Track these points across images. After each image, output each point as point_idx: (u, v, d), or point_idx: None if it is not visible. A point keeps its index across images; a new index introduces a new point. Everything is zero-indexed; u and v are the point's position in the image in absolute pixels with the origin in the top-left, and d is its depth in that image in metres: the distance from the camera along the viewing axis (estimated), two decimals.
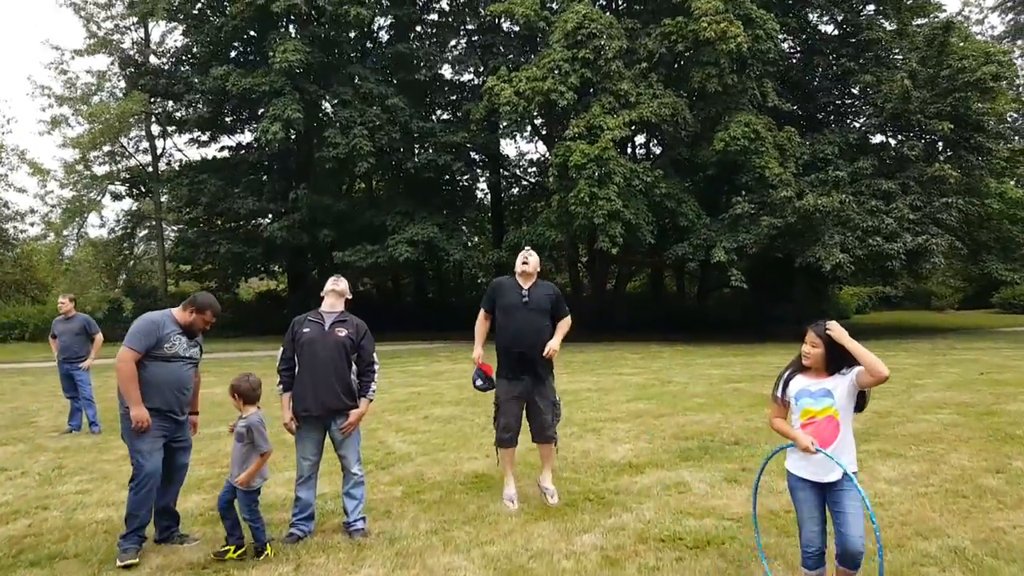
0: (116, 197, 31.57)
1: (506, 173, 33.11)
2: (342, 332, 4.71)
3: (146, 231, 32.51)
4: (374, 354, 4.83)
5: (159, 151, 31.73)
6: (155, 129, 31.16)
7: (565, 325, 5.30)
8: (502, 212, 32.77)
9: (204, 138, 30.42)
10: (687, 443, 6.98)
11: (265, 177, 27.53)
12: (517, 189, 35.06)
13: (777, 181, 20.07)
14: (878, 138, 25.36)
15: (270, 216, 25.91)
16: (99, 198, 28.93)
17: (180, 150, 33.21)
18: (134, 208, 31.62)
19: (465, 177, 29.93)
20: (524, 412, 5.32)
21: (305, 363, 4.66)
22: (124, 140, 31.16)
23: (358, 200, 27.97)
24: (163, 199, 30.09)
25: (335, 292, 4.84)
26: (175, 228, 31.06)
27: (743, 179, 21.26)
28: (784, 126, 21.71)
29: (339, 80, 24.12)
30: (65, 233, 29.51)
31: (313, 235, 24.54)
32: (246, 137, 29.09)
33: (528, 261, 5.26)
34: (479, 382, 5.34)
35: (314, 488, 4.79)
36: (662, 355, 17.32)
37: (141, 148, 31.93)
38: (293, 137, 24.82)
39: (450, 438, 7.60)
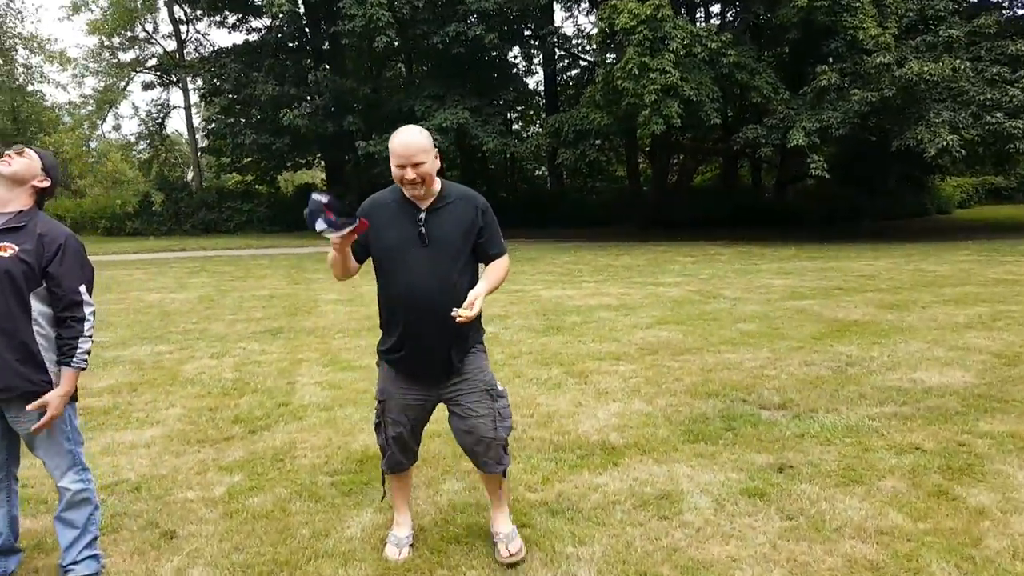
0: (146, 87, 30.28)
1: (561, 53, 29.66)
2: (6, 251, 2.56)
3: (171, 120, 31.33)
4: (81, 288, 2.66)
5: (184, 36, 29.88)
6: (179, 14, 29.22)
7: (498, 269, 2.85)
8: (555, 96, 29.57)
9: (232, 20, 28.24)
10: (705, 405, 4.68)
11: (287, 61, 25.24)
12: (576, 71, 31.61)
13: (873, 45, 16.45)
14: None
15: (294, 104, 23.76)
16: (125, 85, 27.44)
17: (205, 35, 31.25)
18: (163, 98, 30.23)
19: (511, 54, 26.81)
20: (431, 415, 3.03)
21: None
22: (147, 25, 29.44)
23: (386, 83, 25.46)
24: (191, 88, 28.56)
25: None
26: (207, 118, 29.51)
27: (831, 45, 17.61)
28: None
29: None
30: (96, 122, 28.45)
31: (339, 123, 22.41)
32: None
33: (408, 158, 2.61)
34: (320, 224, 2.51)
35: (6, 505, 2.81)
36: (720, 258, 14.70)
37: (167, 34, 30.19)
38: (303, 11, 22.25)
39: None
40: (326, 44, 26.01)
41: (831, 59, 17.95)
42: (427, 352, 2.75)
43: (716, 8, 26.50)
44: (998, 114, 16.19)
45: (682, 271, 12.52)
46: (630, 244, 18.92)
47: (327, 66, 24.55)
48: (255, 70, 24.03)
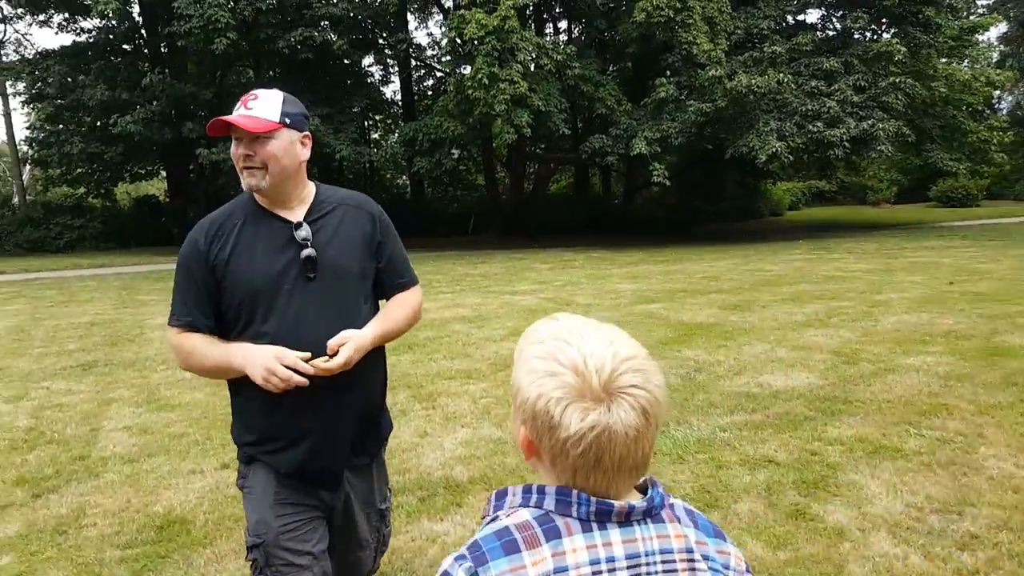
0: None
1: (416, 62, 29.27)
2: None
3: None
4: None
5: (1, 36, 26.81)
6: None
7: (403, 306, 1.98)
8: (413, 105, 29.10)
9: (58, 20, 25.54)
10: None
11: (120, 64, 23.25)
12: (432, 81, 31.32)
13: (706, 59, 17.25)
14: (816, 14, 22.82)
15: (128, 111, 21.76)
16: None
17: (26, 35, 28.55)
18: None
19: (365, 61, 26.13)
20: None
21: None
22: None
23: (230, 88, 23.94)
24: (9, 91, 25.65)
25: None
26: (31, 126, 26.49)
27: (669, 59, 18.36)
28: None
29: None
30: None
31: (178, 131, 20.79)
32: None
33: (244, 128, 1.76)
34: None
35: None
36: (575, 264, 14.80)
37: None
38: (138, 11, 20.52)
39: (203, 421, 4.87)
40: (164, 47, 24.15)
41: (669, 72, 18.72)
42: (325, 441, 1.82)
43: (564, 24, 27.15)
44: (818, 123, 17.48)
45: (538, 279, 12.43)
46: (489, 252, 18.77)
47: (166, 70, 22.73)
48: (83, 73, 21.90)
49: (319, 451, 1.81)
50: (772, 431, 4.08)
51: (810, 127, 17.49)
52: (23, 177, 28.52)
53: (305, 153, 1.84)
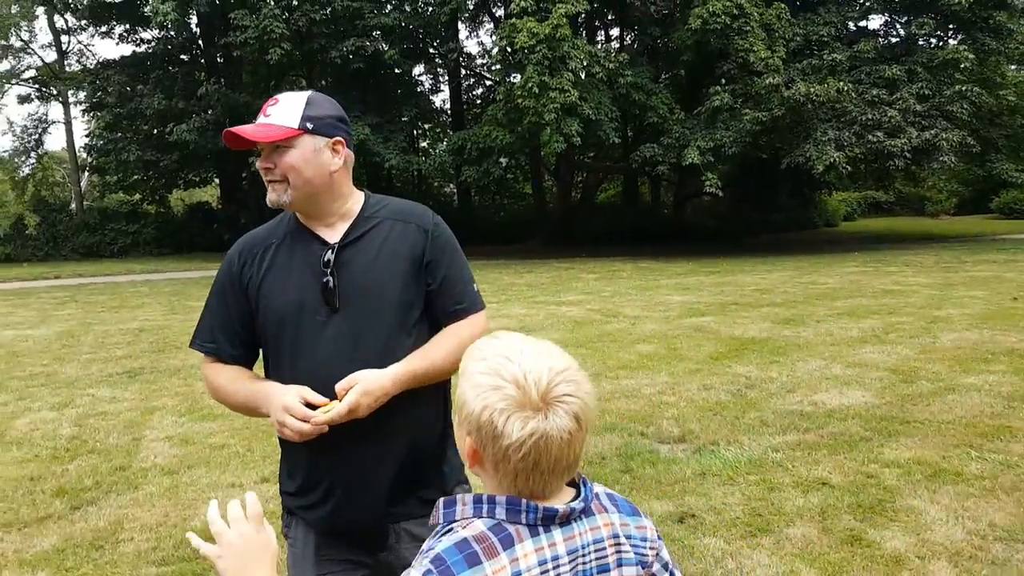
0: (23, 100, 28.23)
1: (465, 71, 29.54)
2: None
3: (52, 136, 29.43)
4: None
5: (64, 47, 28.04)
6: (60, 23, 27.53)
7: (450, 341, 1.60)
8: (462, 114, 29.33)
9: (119, 31, 26.65)
10: (602, 442, 4.31)
11: (177, 73, 24.05)
12: (481, 90, 31.56)
13: (763, 67, 16.94)
14: (879, 20, 22.20)
15: (184, 119, 22.56)
16: None
17: (88, 46, 30.20)
18: (42, 112, 28.46)
19: (416, 71, 26.50)
20: None
21: None
22: (23, 33, 27.57)
23: None
24: (71, 100, 26.87)
25: None
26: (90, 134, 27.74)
27: (724, 67, 18.09)
28: (773, 2, 18.39)
29: None
30: None
31: None
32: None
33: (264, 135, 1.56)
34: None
35: None
36: (622, 274, 14.65)
37: (46, 44, 28.44)
38: (195, 22, 21.21)
39: (244, 432, 4.87)
40: (220, 57, 24.95)
41: (724, 80, 18.45)
42: (356, 494, 1.59)
43: (615, 31, 27.07)
44: (878, 133, 16.99)
45: (585, 289, 12.33)
46: (535, 261, 18.73)
47: (222, 80, 23.48)
48: (141, 83, 22.75)
49: (348, 505, 1.59)
50: (826, 452, 3.93)
51: (870, 137, 17.03)
52: (81, 184, 29.83)
53: (336, 162, 1.59)
